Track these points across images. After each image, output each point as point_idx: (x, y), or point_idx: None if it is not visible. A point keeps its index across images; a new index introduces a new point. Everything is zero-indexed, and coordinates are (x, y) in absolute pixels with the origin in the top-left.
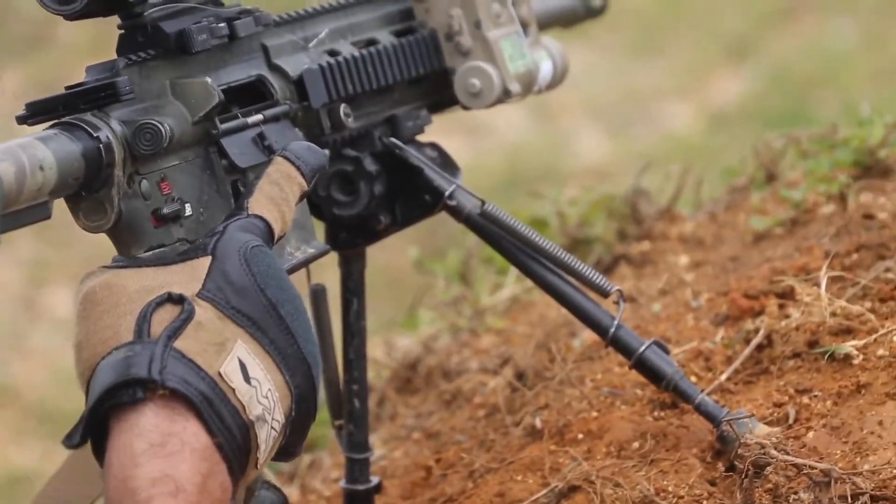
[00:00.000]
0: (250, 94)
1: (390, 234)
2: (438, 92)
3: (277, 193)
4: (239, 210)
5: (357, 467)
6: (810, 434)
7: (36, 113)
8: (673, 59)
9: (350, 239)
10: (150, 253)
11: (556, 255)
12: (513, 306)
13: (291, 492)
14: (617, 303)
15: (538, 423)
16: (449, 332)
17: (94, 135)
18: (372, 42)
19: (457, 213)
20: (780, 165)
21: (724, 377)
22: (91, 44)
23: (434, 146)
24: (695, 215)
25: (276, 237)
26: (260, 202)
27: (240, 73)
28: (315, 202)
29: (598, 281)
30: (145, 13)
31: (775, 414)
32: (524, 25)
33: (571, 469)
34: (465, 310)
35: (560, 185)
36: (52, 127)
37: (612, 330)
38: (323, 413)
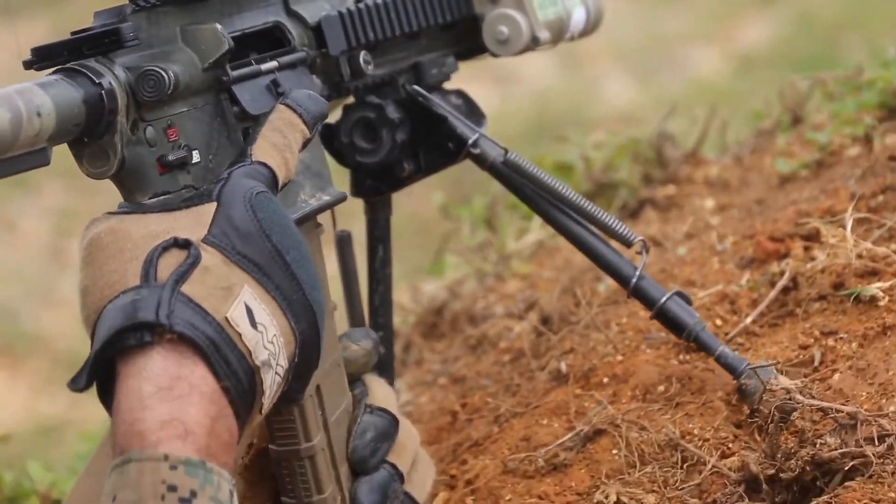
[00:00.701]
0: (269, 42)
1: (414, 181)
2: (467, 39)
3: (280, 140)
4: (242, 157)
5: None
6: (836, 376)
7: (41, 58)
8: (700, 4)
9: (374, 186)
10: (155, 200)
11: (579, 203)
12: (538, 251)
13: None
14: (640, 252)
15: (563, 367)
16: (475, 277)
17: (97, 81)
18: None
19: (481, 162)
20: (805, 108)
21: (749, 320)
22: None
23: (460, 93)
24: (720, 159)
25: (280, 184)
26: (263, 149)
27: (256, 19)
28: (338, 149)
29: (621, 230)
30: None
31: (801, 356)
32: None
33: (597, 413)
34: (491, 255)
35: (587, 131)
36: (55, 73)
37: (634, 280)
38: None
